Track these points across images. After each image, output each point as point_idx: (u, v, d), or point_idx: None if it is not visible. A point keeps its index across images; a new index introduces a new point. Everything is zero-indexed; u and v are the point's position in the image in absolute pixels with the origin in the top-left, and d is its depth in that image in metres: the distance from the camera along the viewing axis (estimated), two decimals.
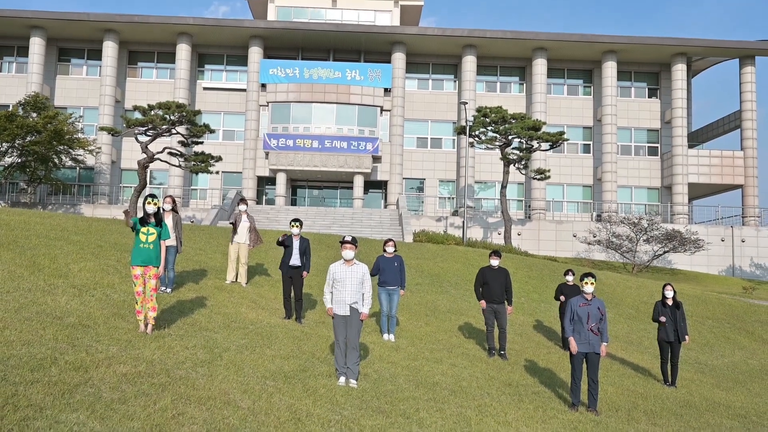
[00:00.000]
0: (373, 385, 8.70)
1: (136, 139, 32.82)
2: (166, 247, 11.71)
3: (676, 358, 12.78)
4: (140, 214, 9.04)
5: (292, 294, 12.40)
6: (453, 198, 45.19)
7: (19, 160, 38.65)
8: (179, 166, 34.59)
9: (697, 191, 47.37)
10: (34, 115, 38.36)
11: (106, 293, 10.60)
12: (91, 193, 44.14)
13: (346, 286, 8.72)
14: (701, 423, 9.69)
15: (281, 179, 42.41)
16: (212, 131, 34.92)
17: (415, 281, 19.11)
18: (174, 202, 12.19)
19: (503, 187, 35.83)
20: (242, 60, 46.45)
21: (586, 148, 46.31)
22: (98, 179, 43.69)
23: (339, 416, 7.03)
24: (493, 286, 12.46)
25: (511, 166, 36.07)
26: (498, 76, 47.09)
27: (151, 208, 9.13)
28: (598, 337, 9.41)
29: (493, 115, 35.36)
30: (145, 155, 32.46)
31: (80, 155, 40.93)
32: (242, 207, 13.98)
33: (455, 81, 46.75)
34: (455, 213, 42.85)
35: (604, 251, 39.35)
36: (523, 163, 36.00)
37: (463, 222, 34.35)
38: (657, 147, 46.32)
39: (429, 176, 45.60)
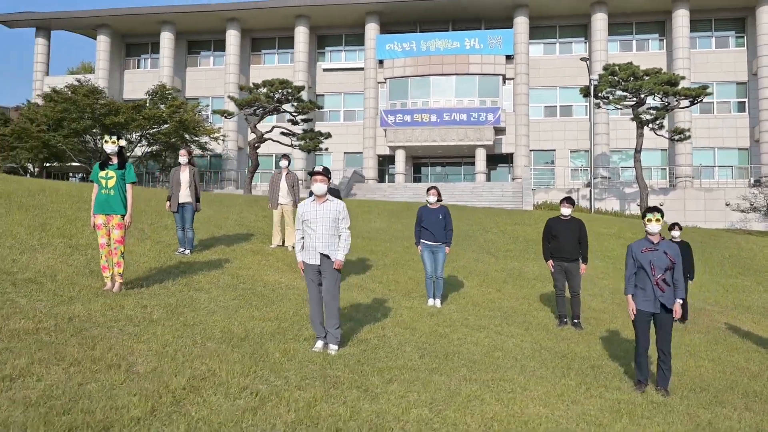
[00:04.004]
0: (361, 352, 6.95)
1: (246, 120, 32.70)
2: (181, 204, 10.65)
3: None
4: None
5: None
6: (587, 169, 41.65)
7: (149, 150, 40.03)
8: (291, 145, 34.15)
9: None
10: (162, 106, 39.52)
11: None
12: (219, 179, 45.10)
13: (318, 227, 6.99)
14: None
15: (400, 156, 41.02)
16: (320, 107, 34.14)
17: (505, 247, 16.94)
18: (190, 154, 11.02)
19: (636, 151, 32.22)
20: (360, 39, 45.40)
21: (741, 107, 40.91)
22: (226, 165, 44.52)
23: (266, 386, 5.38)
24: (564, 241, 10.20)
25: (645, 128, 32.35)
26: (633, 34, 42.78)
27: (109, 147, 7.89)
28: (670, 292, 7.04)
29: (622, 73, 31.85)
30: (254, 135, 32.30)
31: (207, 143, 41.70)
32: (283, 163, 12.61)
33: (585, 42, 43.01)
34: (589, 185, 39.43)
35: (764, 220, 34.46)
36: (658, 123, 32.14)
37: (590, 191, 31.32)
38: None
39: (559, 147, 42.30)
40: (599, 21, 40.78)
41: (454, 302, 10.72)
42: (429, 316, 9.31)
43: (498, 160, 42.77)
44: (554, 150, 42.37)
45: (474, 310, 10.29)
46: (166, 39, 45.96)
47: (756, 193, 34.16)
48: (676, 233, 12.31)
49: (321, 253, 6.91)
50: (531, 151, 41.72)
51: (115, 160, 7.93)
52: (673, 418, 6.03)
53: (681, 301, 7.01)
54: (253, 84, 31.51)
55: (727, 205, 35.86)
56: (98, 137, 38.31)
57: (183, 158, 10.88)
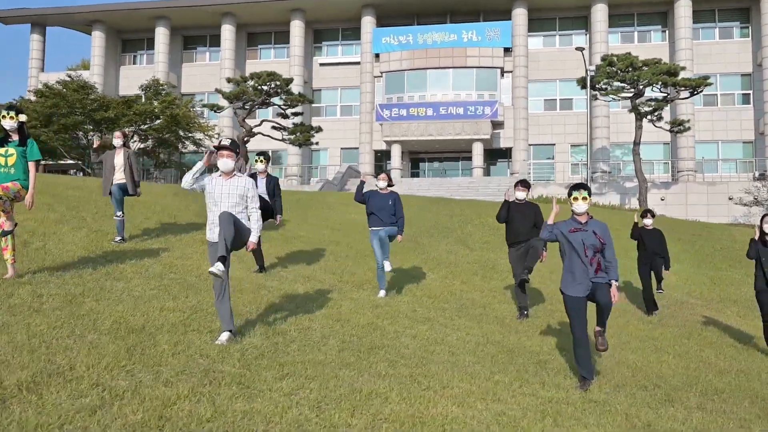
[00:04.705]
0: (271, 345, 6.24)
1: (235, 114, 32.11)
2: (116, 185, 10.05)
3: None
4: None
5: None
6: (587, 164, 40.74)
7: (142, 146, 39.44)
8: (282, 139, 33.53)
9: None
10: (155, 102, 38.91)
11: (24, 240, 8.97)
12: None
13: (223, 204, 6.40)
14: None
15: (396, 151, 40.28)
16: (310, 101, 33.51)
17: (483, 239, 16.23)
18: (125, 136, 10.36)
19: (635, 144, 31.39)
20: (356, 33, 44.66)
21: (745, 99, 39.89)
22: None
23: (128, 382, 4.70)
24: (518, 224, 9.53)
25: (644, 119, 31.49)
26: (635, 25, 41.85)
27: (7, 123, 7.24)
28: (602, 275, 6.40)
29: (620, 63, 31.01)
30: (243, 129, 31.71)
31: (201, 139, 41.07)
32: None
33: (586, 34, 42.09)
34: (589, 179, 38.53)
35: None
36: (656, 114, 31.27)
37: (588, 184, 30.37)
38: None
39: (559, 141, 41.41)
40: (600, 12, 39.95)
41: (409, 293, 10.01)
42: (372, 308, 8.61)
43: (497, 155, 42.00)
44: (554, 144, 41.50)
45: (426, 302, 9.58)
46: (161, 34, 45.45)
47: (759, 187, 33.20)
48: (648, 221, 11.70)
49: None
50: (530, 145, 40.90)
51: (15, 137, 7.28)
52: (606, 419, 5.31)
53: (617, 283, 6.40)
54: (241, 77, 30.88)
55: (730, 199, 34.91)
56: (89, 133, 37.82)
57: (117, 141, 10.21)
